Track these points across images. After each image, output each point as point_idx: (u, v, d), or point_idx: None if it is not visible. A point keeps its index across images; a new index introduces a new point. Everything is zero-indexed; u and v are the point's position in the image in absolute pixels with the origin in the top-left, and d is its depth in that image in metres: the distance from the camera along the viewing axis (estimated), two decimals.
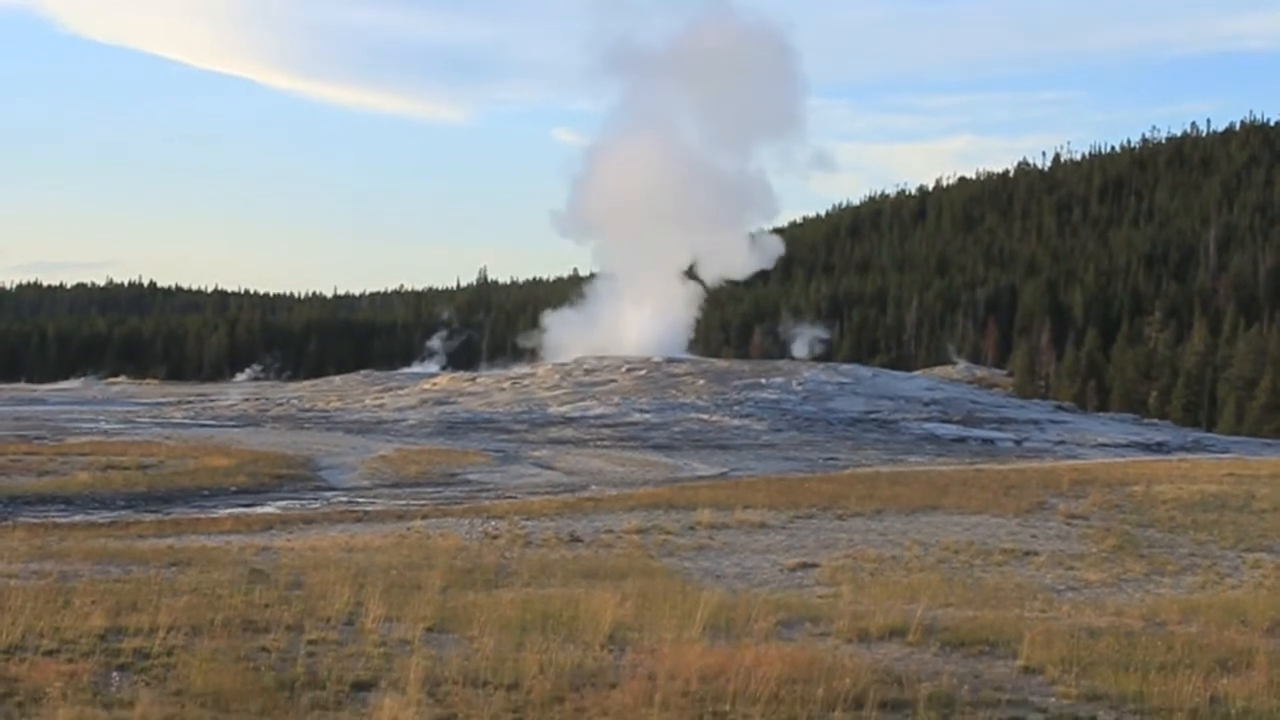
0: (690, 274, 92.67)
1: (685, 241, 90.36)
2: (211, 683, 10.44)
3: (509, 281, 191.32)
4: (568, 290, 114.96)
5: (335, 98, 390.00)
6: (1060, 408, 76.14)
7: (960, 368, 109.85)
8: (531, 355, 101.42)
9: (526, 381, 73.96)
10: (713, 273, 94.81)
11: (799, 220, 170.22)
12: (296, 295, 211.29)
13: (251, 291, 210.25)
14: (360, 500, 31.32)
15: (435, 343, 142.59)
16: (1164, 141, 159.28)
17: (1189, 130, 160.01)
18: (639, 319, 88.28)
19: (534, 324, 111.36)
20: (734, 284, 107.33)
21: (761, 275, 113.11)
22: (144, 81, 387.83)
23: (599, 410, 63.18)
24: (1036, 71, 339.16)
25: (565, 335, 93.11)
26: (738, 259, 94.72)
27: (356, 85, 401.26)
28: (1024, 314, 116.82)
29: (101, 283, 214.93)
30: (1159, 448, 57.23)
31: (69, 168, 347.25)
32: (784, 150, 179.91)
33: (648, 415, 61.40)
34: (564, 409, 64.04)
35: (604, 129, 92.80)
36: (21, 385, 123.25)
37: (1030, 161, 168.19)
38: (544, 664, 11.20)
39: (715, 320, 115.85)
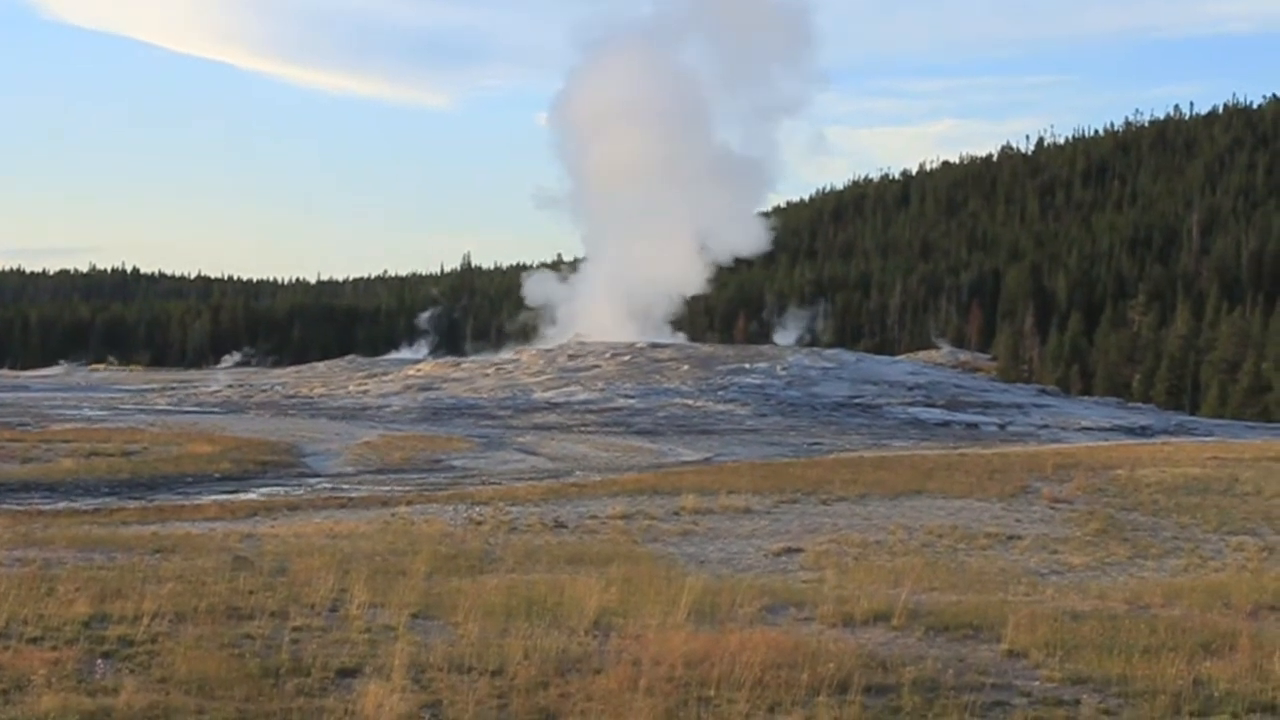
0: (700, 247, 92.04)
1: (682, 204, 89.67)
2: (196, 670, 10.42)
3: (493, 267, 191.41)
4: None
5: (319, 83, 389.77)
6: (1044, 391, 76.33)
7: (944, 352, 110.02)
8: (522, 334, 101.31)
9: (511, 367, 73.95)
10: (718, 247, 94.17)
11: (783, 205, 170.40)
12: (280, 281, 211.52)
13: (235, 277, 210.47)
14: (345, 487, 31.28)
15: (424, 321, 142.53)
16: (1147, 125, 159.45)
17: (1172, 113, 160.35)
18: (629, 283, 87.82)
19: (519, 309, 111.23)
20: (730, 264, 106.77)
21: (745, 259, 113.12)
22: (127, 67, 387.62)
23: (583, 396, 63.19)
24: (1020, 55, 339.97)
25: (560, 311, 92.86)
26: (743, 233, 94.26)
27: (340, 71, 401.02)
28: (1007, 298, 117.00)
29: (85, 269, 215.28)
30: (1142, 431, 57.37)
31: (51, 154, 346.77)
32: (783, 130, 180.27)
33: (632, 400, 61.43)
34: (548, 394, 64.04)
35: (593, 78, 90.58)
36: (4, 372, 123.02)
37: (1014, 145, 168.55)
38: (529, 649, 11.20)
39: (699, 305, 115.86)
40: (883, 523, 23.42)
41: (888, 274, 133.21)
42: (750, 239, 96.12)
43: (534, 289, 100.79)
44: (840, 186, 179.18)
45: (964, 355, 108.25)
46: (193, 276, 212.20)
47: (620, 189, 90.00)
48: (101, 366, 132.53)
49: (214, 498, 28.23)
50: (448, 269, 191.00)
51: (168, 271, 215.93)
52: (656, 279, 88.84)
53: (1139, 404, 77.42)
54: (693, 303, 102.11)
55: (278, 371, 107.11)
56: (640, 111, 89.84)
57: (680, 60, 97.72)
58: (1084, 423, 59.75)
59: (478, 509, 25.04)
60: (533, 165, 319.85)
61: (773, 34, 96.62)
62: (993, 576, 17.78)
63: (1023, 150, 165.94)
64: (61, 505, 26.63)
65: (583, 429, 51.45)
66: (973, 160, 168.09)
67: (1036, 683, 11.00)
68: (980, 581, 17.12)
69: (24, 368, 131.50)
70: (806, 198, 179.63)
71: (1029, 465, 33.13)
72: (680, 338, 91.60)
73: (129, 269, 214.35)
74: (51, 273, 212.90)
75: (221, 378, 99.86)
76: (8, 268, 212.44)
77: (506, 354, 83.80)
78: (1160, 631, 12.66)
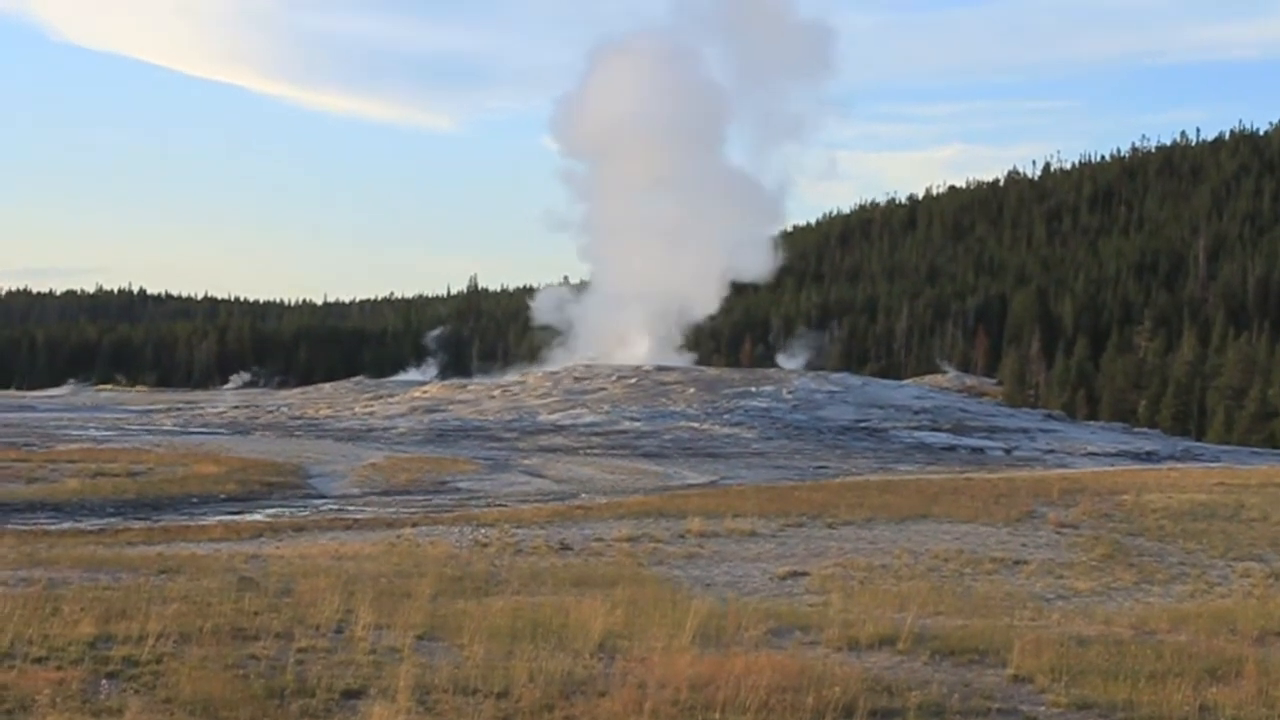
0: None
1: (696, 223, 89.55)
2: (200, 690, 10.42)
3: (499, 289, 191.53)
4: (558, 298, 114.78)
5: (326, 105, 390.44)
6: (1050, 416, 76.20)
7: (950, 376, 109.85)
8: (530, 354, 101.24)
9: (517, 389, 73.93)
10: (732, 268, 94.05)
11: (790, 228, 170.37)
12: (286, 302, 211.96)
13: (241, 298, 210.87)
14: (350, 508, 31.26)
15: (431, 341, 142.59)
16: (1154, 150, 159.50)
17: (1179, 139, 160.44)
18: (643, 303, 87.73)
19: (525, 331, 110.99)
20: (743, 285, 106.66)
21: (752, 283, 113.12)
22: (135, 89, 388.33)
23: (589, 418, 63.17)
24: (1027, 80, 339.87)
25: (573, 329, 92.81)
26: (754, 257, 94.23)
27: (348, 93, 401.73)
28: (1014, 323, 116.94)
29: (91, 289, 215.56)
30: (1148, 457, 57.27)
31: (59, 174, 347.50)
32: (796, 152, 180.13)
33: (638, 423, 61.38)
34: (554, 417, 64.03)
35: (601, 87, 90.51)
36: (11, 392, 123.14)
37: (1020, 170, 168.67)
38: (534, 672, 11.19)
39: (706, 328, 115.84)
40: (888, 547, 23.38)
41: (894, 298, 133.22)
42: (761, 263, 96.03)
43: (545, 307, 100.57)
44: (847, 210, 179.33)
45: (970, 380, 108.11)
46: (199, 297, 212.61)
47: (631, 205, 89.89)
48: (108, 387, 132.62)
49: (219, 518, 28.23)
50: (454, 291, 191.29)
51: (174, 292, 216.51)
52: (669, 298, 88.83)
53: (1145, 429, 77.31)
54: (699, 326, 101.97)
55: (284, 393, 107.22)
56: (651, 126, 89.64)
57: (694, 77, 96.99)
58: (1090, 448, 59.66)
59: (483, 531, 25.02)
60: (538, 187, 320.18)
61: (790, 53, 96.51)
62: (998, 601, 17.74)
63: (1029, 175, 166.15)
64: (67, 525, 26.63)
65: (588, 451, 51.41)
66: (979, 185, 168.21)
67: (1042, 708, 10.99)
68: (986, 606, 17.09)
69: (30, 388, 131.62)
70: (813, 221, 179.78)
71: (1035, 490, 33.09)
72: (690, 359, 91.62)
73: (135, 289, 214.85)
74: (58, 293, 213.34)
75: (227, 399, 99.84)
76: (14, 288, 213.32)
77: (513, 376, 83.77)
78: (1166, 657, 12.65)
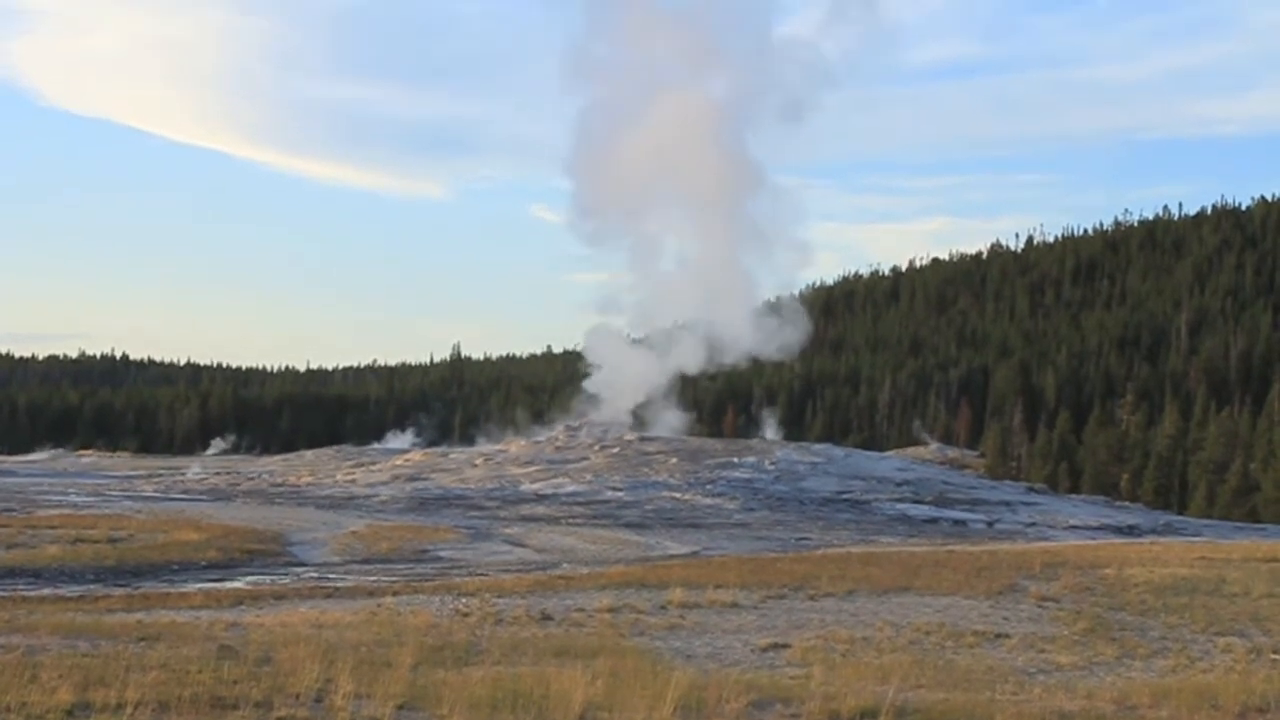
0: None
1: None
2: None
3: (482, 358, 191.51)
4: (540, 367, 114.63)
5: (313, 172, 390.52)
6: (1032, 489, 76.28)
7: (932, 448, 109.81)
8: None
9: (499, 458, 73.90)
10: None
11: (772, 299, 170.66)
12: (269, 369, 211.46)
13: (224, 365, 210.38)
14: (331, 576, 31.17)
15: (420, 403, 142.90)
16: (1136, 224, 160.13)
17: (1161, 213, 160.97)
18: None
19: (506, 401, 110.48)
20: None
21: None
22: (122, 154, 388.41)
23: (571, 488, 63.12)
24: (1012, 154, 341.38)
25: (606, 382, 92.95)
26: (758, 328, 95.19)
27: (334, 160, 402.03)
28: (996, 395, 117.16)
29: (74, 354, 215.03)
30: (1130, 530, 57.34)
31: (43, 239, 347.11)
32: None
33: (620, 493, 61.35)
34: (536, 486, 63.98)
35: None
36: None
37: (1003, 243, 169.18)
38: None
39: (688, 398, 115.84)
40: (870, 619, 23.36)
41: (877, 369, 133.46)
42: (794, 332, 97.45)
43: (595, 350, 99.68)
44: (830, 282, 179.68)
45: (952, 452, 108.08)
46: (182, 363, 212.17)
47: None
48: (89, 452, 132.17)
49: (200, 586, 28.12)
50: (438, 359, 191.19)
51: (157, 358, 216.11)
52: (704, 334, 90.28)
53: (1127, 503, 77.38)
54: (680, 397, 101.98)
55: (265, 460, 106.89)
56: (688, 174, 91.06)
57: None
58: (1072, 521, 59.71)
59: (464, 600, 24.97)
60: (526, 256, 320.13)
61: None
62: (980, 675, 17.72)
63: (1013, 248, 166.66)
64: (46, 591, 26.51)
65: (570, 521, 51.35)
66: (962, 257, 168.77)
67: None
68: (968, 680, 17.07)
69: (11, 453, 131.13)
70: (796, 293, 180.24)
71: (1017, 563, 33.09)
72: (676, 423, 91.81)
73: (118, 355, 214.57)
74: (41, 358, 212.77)
75: (209, 465, 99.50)
76: None
77: (495, 445, 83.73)
78: None
